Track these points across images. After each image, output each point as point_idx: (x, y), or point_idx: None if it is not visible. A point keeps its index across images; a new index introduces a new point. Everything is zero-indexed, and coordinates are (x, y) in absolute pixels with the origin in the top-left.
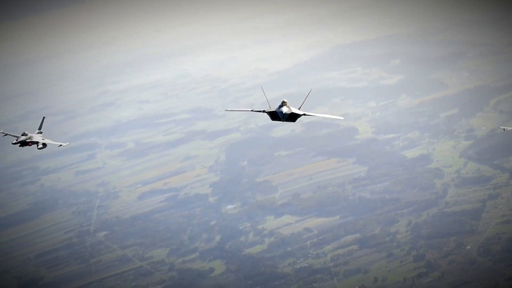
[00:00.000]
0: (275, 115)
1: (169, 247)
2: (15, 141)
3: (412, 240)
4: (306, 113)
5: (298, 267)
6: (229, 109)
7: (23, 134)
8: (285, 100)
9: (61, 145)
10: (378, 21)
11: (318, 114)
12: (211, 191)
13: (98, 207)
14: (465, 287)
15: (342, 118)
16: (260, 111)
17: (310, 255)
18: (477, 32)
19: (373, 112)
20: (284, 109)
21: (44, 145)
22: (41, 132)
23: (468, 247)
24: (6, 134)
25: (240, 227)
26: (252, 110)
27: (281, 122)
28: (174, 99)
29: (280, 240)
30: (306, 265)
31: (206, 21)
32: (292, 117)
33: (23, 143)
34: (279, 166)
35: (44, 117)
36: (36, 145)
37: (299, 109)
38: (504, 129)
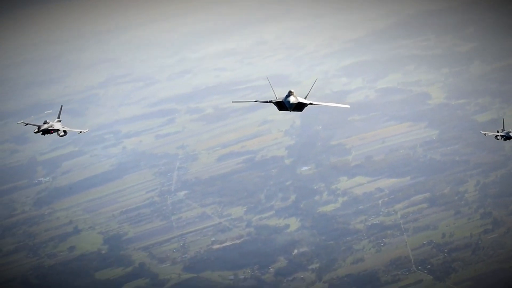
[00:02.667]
0: (282, 105)
1: (246, 205)
2: (36, 130)
3: (480, 199)
4: (313, 102)
5: (370, 223)
6: (236, 101)
7: (45, 123)
8: (292, 90)
9: (81, 131)
10: None
11: (325, 103)
12: (287, 154)
13: (178, 168)
14: None
15: (348, 106)
16: (267, 102)
17: (381, 213)
18: None
19: (446, 78)
20: (291, 99)
21: (65, 132)
22: (60, 121)
23: None
24: (26, 124)
25: (315, 187)
26: (257, 101)
27: (289, 111)
28: (250, 67)
29: (352, 199)
30: (377, 222)
31: None
32: (299, 106)
33: (45, 131)
34: (352, 130)
35: (62, 106)
36: (57, 132)
37: (305, 98)
38: (485, 134)
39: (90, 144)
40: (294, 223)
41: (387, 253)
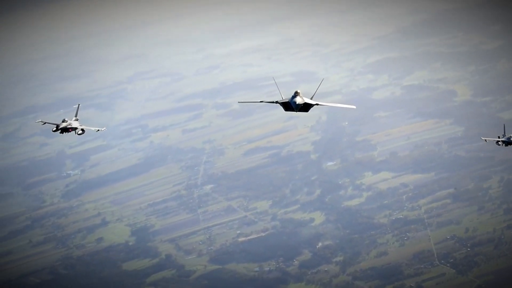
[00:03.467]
0: (288, 106)
1: (272, 199)
2: (55, 129)
3: (504, 195)
4: (319, 102)
5: (394, 218)
6: (241, 101)
7: (63, 121)
8: (298, 91)
9: (98, 130)
10: None
11: (331, 104)
12: (313, 149)
13: (205, 162)
14: None
15: (354, 107)
16: (273, 102)
17: (405, 207)
18: None
19: (472, 76)
20: (298, 100)
21: (83, 130)
22: (77, 119)
23: None
24: (44, 123)
25: (340, 182)
26: (262, 101)
27: (295, 112)
28: (277, 63)
29: (377, 194)
30: (401, 216)
31: None
32: (305, 107)
33: (64, 130)
34: (378, 126)
35: (79, 104)
36: (75, 131)
37: (311, 98)
38: (485, 140)
39: (118, 138)
40: (319, 217)
41: (411, 247)
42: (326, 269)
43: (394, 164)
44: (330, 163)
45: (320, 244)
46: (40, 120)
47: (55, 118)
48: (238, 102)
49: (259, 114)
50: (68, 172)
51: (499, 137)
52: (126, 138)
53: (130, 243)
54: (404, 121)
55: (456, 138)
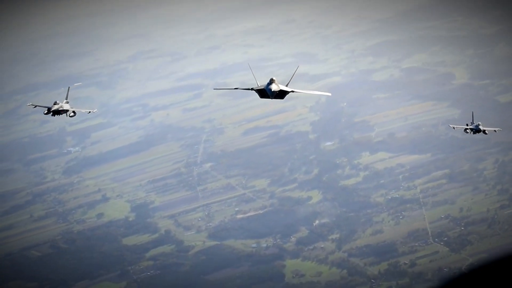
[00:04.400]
0: (264, 93)
1: (270, 178)
2: (46, 111)
3: (498, 176)
4: (294, 90)
5: (390, 197)
6: (217, 87)
7: (55, 103)
8: (274, 78)
9: (89, 111)
10: None
11: (306, 91)
12: (311, 129)
13: (205, 141)
14: None
15: (329, 94)
16: (248, 89)
17: (401, 187)
18: None
19: (471, 60)
20: (273, 87)
21: (74, 113)
22: (68, 102)
23: None
24: (35, 106)
25: (337, 162)
26: (237, 88)
27: (270, 99)
28: (278, 44)
29: (374, 174)
30: (397, 196)
31: None
32: (281, 94)
33: (55, 112)
34: (376, 108)
35: (69, 87)
36: (66, 113)
37: (286, 85)
38: (454, 127)
39: (118, 116)
40: (316, 196)
41: (406, 226)
42: (322, 246)
43: (391, 144)
44: (328, 143)
45: (317, 221)
46: (30, 103)
47: (56, 96)
48: (214, 89)
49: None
50: (69, 149)
51: (467, 125)
52: (127, 116)
53: (130, 219)
54: (402, 103)
55: (453, 120)
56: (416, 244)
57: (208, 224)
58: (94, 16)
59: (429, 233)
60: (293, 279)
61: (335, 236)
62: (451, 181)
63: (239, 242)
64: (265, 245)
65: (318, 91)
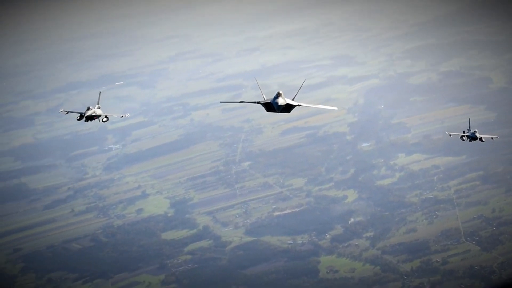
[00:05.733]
0: (271, 107)
1: (307, 177)
2: (79, 117)
3: None
4: (301, 103)
5: (424, 197)
6: (223, 101)
7: (88, 109)
8: (280, 92)
9: (122, 116)
10: None
11: (313, 105)
12: (349, 130)
13: (243, 140)
14: None
15: (336, 108)
16: (255, 103)
17: (435, 188)
18: None
19: (508, 64)
20: (280, 101)
21: (107, 117)
22: (99, 107)
23: None
24: (67, 112)
25: (374, 162)
26: (243, 102)
27: (277, 113)
28: (317, 46)
29: (409, 175)
30: (431, 196)
31: None
32: (287, 108)
33: (89, 118)
34: (413, 110)
35: (100, 92)
36: (98, 118)
37: (293, 99)
38: (450, 134)
39: (159, 115)
40: (351, 195)
41: (439, 225)
42: (356, 243)
43: (427, 146)
44: (365, 144)
45: (352, 220)
46: (63, 109)
47: (96, 95)
48: (220, 102)
49: (297, 95)
50: (110, 146)
51: (464, 132)
52: (167, 115)
53: (169, 215)
54: (439, 106)
55: (488, 123)
56: (449, 242)
57: (246, 221)
58: (136, 16)
59: (462, 233)
60: (327, 275)
61: (369, 234)
62: (485, 182)
63: (276, 239)
64: (300, 241)
65: (325, 105)
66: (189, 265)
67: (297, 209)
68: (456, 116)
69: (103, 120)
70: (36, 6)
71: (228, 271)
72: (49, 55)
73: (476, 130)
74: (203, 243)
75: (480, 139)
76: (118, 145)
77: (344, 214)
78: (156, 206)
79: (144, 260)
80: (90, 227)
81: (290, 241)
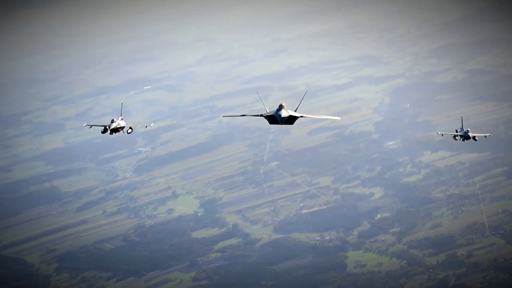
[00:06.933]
0: (273, 119)
1: (334, 175)
2: (103, 130)
3: None
4: (304, 115)
5: (449, 193)
6: (226, 115)
7: (112, 121)
8: (283, 104)
9: (146, 126)
10: None
11: (316, 116)
12: (375, 129)
13: (271, 141)
14: None
15: (339, 118)
16: (257, 115)
17: (461, 184)
18: None
19: None
20: (283, 113)
21: (131, 129)
22: (122, 118)
23: None
24: (91, 126)
25: (399, 160)
26: (245, 115)
27: (280, 125)
28: (343, 47)
29: (434, 171)
30: (457, 192)
31: None
32: (290, 119)
33: (113, 130)
34: (439, 108)
35: (122, 103)
36: (123, 130)
37: (295, 111)
38: (442, 134)
39: (187, 117)
40: (378, 192)
41: (464, 220)
42: (383, 238)
43: (452, 143)
44: (391, 143)
45: (378, 216)
46: (86, 123)
47: (124, 99)
48: (223, 116)
49: (324, 96)
50: (140, 149)
51: (456, 131)
52: (195, 117)
53: (199, 214)
54: (464, 103)
55: None
56: (474, 236)
57: (274, 219)
58: (162, 21)
59: (486, 227)
60: (355, 269)
61: (395, 229)
62: (509, 178)
63: (304, 235)
64: (328, 238)
65: (328, 115)
66: (219, 262)
67: (325, 207)
68: (482, 113)
69: (128, 131)
70: (64, 13)
71: (258, 267)
72: (77, 61)
73: (469, 129)
74: (233, 241)
75: (473, 138)
76: (147, 148)
77: (370, 210)
78: (186, 206)
79: (175, 258)
80: (122, 227)
81: (318, 238)
